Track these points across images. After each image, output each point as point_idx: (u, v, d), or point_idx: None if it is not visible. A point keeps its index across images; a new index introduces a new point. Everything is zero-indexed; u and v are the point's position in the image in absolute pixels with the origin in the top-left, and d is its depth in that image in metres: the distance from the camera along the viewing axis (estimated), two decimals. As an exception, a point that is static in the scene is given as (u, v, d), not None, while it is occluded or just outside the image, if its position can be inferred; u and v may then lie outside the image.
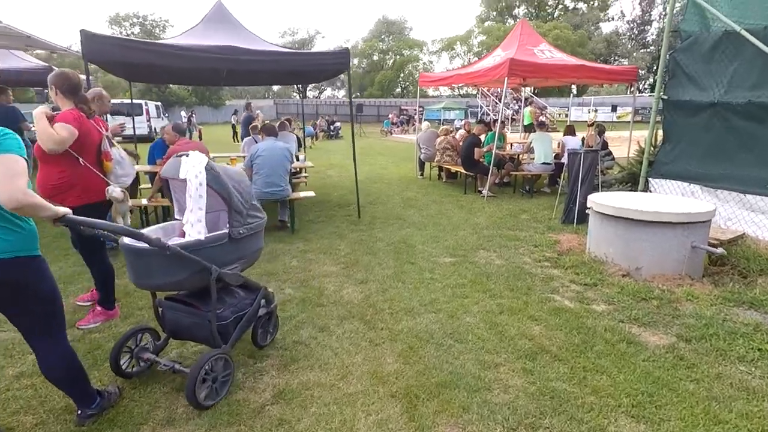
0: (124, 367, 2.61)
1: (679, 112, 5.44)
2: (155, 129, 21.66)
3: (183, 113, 31.85)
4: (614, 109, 34.05)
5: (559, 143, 8.31)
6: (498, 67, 7.26)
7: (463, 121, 11.97)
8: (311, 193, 5.98)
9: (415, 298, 3.75)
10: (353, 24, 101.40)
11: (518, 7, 50.72)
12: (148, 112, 21.00)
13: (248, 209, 2.63)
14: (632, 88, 9.28)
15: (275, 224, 5.76)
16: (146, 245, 2.22)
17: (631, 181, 7.02)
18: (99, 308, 3.40)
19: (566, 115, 29.80)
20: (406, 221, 6.25)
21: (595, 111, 27.98)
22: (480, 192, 8.20)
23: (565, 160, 7.94)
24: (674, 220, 3.79)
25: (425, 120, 13.01)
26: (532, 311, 3.47)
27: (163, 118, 24.70)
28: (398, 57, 52.70)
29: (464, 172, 8.25)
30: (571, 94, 21.75)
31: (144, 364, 2.68)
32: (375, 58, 53.87)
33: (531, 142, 8.10)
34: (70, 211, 2.04)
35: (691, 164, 5.30)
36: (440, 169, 9.79)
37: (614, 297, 3.69)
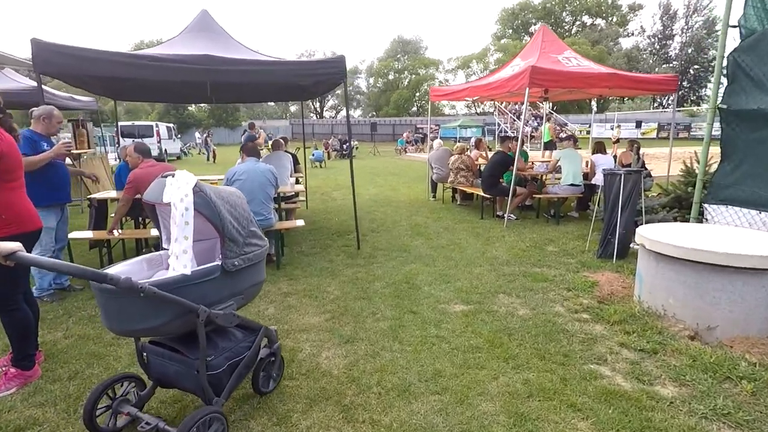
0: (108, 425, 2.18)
1: (742, 125, 4.47)
2: (166, 150, 21.53)
3: (197, 134, 31.97)
4: (639, 125, 32.77)
5: (588, 162, 7.36)
6: (518, 77, 6.41)
7: (474, 139, 11.03)
8: (300, 222, 5.16)
9: (414, 367, 2.85)
10: (369, 44, 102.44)
11: (534, 25, 50.26)
12: (159, 134, 20.88)
13: (246, 236, 2.22)
14: (670, 100, 8.30)
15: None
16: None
17: (677, 206, 5.99)
18: (13, 370, 2.68)
19: (587, 132, 28.64)
20: (412, 254, 5.37)
21: (618, 127, 26.75)
22: (499, 216, 7.27)
23: (596, 181, 6.98)
24: (764, 265, 2.82)
25: (438, 138, 12.25)
26: (573, 394, 2.52)
27: (175, 140, 24.64)
28: (414, 76, 52.43)
29: (482, 194, 7.34)
30: (593, 110, 20.70)
31: (125, 419, 2.23)
32: (390, 77, 53.76)
33: (558, 161, 7.16)
34: (21, 246, 1.71)
35: (761, 187, 4.29)
36: (454, 190, 8.90)
37: (685, 373, 2.71)
